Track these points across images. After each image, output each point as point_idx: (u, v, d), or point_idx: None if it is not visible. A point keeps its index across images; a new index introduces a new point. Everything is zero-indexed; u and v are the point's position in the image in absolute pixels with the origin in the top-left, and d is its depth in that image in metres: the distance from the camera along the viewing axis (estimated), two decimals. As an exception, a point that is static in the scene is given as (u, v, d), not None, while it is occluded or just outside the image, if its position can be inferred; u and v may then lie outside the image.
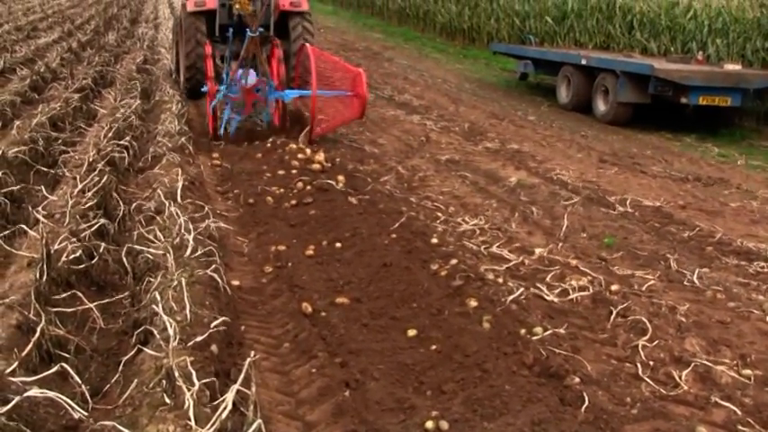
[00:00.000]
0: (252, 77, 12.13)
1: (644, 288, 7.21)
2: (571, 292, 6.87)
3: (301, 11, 14.37)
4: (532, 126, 15.43)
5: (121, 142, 10.03)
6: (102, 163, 8.88)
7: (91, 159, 9.00)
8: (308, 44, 13.06)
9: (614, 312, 6.49)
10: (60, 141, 10.55)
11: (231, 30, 12.71)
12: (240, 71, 12.04)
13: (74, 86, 14.06)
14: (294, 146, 11.20)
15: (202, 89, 12.71)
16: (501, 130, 14.68)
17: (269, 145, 11.51)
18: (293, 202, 9.13)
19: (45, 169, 9.29)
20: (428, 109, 16.37)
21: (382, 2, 39.18)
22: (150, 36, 25.22)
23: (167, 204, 7.59)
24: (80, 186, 8.02)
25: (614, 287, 7.05)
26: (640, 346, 5.94)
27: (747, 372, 5.68)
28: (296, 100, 12.89)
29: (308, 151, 10.92)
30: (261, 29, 12.18)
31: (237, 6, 12.73)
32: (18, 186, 8.25)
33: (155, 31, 27.29)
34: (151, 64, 18.86)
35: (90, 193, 7.83)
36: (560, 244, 8.34)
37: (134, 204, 8.13)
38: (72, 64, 17.42)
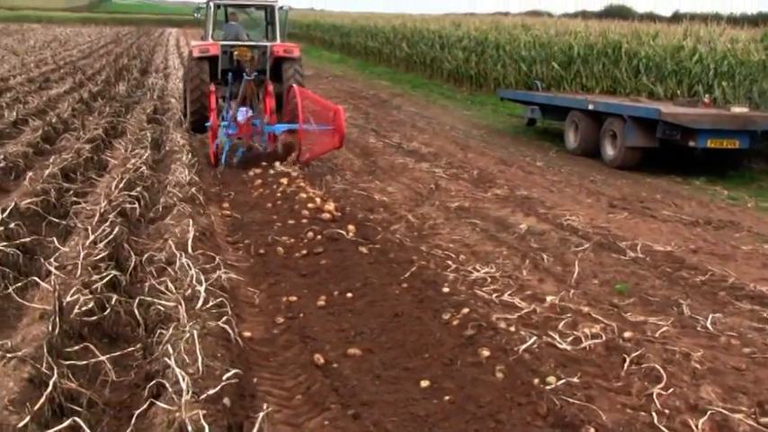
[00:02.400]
0: (248, 114, 14.16)
1: (657, 335, 7.16)
2: (584, 339, 6.81)
3: (293, 57, 16.65)
4: (541, 172, 15.43)
5: (132, 193, 10.09)
6: (114, 214, 8.92)
7: (102, 210, 9.03)
8: (294, 85, 15.12)
9: (628, 360, 6.44)
10: (72, 192, 10.60)
11: (230, 73, 14.86)
12: (239, 109, 14.10)
13: (85, 137, 14.18)
14: (304, 195, 11.23)
15: (206, 124, 14.63)
16: (510, 177, 14.68)
17: (279, 194, 11.54)
18: (304, 251, 9.13)
19: (57, 220, 9.32)
20: (437, 156, 16.40)
21: (389, 50, 39.55)
22: (160, 86, 25.41)
23: (178, 255, 7.60)
24: (92, 237, 8.04)
25: (627, 334, 6.99)
26: (655, 394, 5.88)
27: (766, 420, 5.61)
28: (286, 132, 14.66)
29: (318, 200, 10.94)
30: (256, 72, 14.54)
31: (237, 53, 15.58)
32: (30, 238, 8.28)
33: (165, 81, 27.52)
34: (161, 114, 18.98)
35: (102, 245, 7.85)
36: (572, 291, 8.30)
37: (145, 255, 8.14)
38: (83, 115, 17.57)
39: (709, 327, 7.46)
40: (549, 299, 7.91)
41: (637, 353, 6.53)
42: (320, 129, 13.91)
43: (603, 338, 6.84)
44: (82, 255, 7.46)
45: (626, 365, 6.37)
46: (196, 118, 16.08)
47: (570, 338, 6.86)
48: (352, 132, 19.09)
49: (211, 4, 17.10)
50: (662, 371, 6.18)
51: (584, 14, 45.32)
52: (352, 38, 48.15)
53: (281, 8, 17.52)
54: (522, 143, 19.12)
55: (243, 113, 14.10)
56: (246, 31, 17.67)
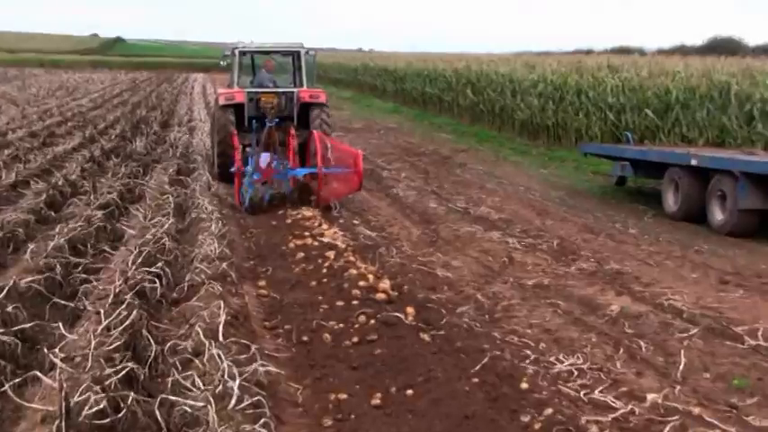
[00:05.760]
0: (269, 160, 16.81)
1: (788, 443, 6.98)
2: (696, 448, 6.67)
3: (319, 103, 19.40)
4: (635, 241, 15.31)
5: (153, 269, 10.15)
6: (131, 294, 8.97)
7: (117, 290, 9.10)
8: (315, 131, 18.00)
9: (752, 475, 6.27)
10: (81, 268, 10.71)
11: (254, 120, 17.85)
12: (263, 155, 16.83)
13: (97, 202, 14.35)
14: (355, 271, 11.23)
15: (231, 170, 17.15)
16: (597, 247, 14.59)
17: (325, 270, 11.56)
18: (355, 339, 9.08)
19: (63, 302, 9.39)
20: (509, 223, 16.38)
21: (451, 97, 39.82)
22: (184, 141, 25.81)
23: (207, 344, 7.60)
24: (105, 323, 8.08)
25: (750, 442, 6.83)
26: None
27: None
28: (308, 176, 17.51)
29: (371, 277, 10.94)
30: (277, 119, 17.60)
31: (264, 100, 18.70)
32: (31, 323, 8.33)
33: (189, 136, 27.96)
34: (186, 175, 19.23)
35: (116, 331, 7.88)
36: (678, 387, 8.15)
37: (168, 344, 8.14)
38: (94, 176, 17.83)
39: None
40: (649, 397, 7.79)
41: (763, 466, 6.36)
42: (340, 172, 16.94)
43: (720, 447, 6.69)
44: (93, 344, 7.47)
45: (750, 482, 6.20)
46: (222, 168, 18.75)
47: (679, 447, 6.72)
48: (408, 196, 19.23)
49: (236, 51, 19.70)
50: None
51: (684, 50, 45.35)
52: (408, 83, 48.62)
53: (307, 53, 19.92)
54: (610, 207, 19.03)
55: (265, 159, 16.78)
56: (276, 77, 20.35)
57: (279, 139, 17.61)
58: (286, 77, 20.90)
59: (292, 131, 18.12)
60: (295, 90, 19.61)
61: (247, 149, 17.72)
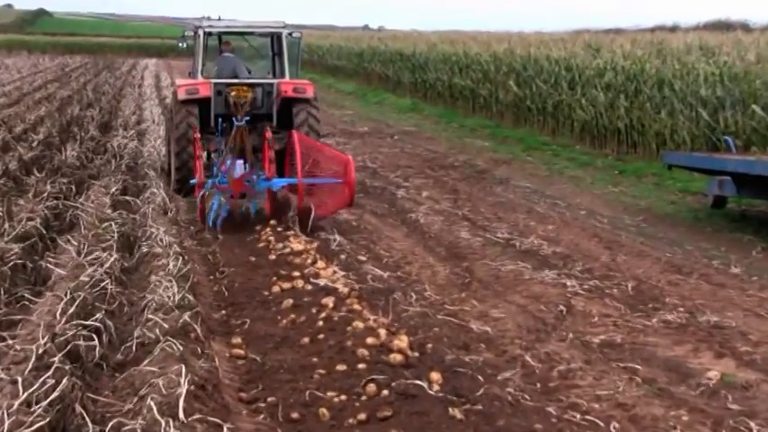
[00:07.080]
0: (240, 168, 17.96)
1: None
2: None
3: (306, 98, 20.30)
4: (739, 283, 15.29)
5: (90, 322, 10.15)
6: (60, 356, 8.94)
7: (41, 351, 9.06)
8: (294, 132, 19.06)
9: None
10: (-8, 322, 10.70)
11: (221, 119, 19.00)
12: (228, 162, 17.88)
13: (13, 233, 14.30)
14: (361, 324, 11.23)
15: (191, 182, 18.29)
16: (687, 292, 14.57)
17: (321, 323, 11.55)
18: (362, 416, 9.05)
19: (-32, 368, 9.38)
20: (567, 260, 16.41)
21: (489, 90, 39.79)
22: (132, 150, 25.87)
23: (164, 424, 7.58)
24: (24, 395, 8.05)
25: None
26: None
27: None
28: (286, 187, 18.67)
29: (383, 332, 10.92)
30: (248, 117, 18.57)
31: (234, 94, 18.85)
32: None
33: (138, 143, 28.02)
34: (134, 195, 19.27)
35: (40, 407, 7.85)
36: (805, 483, 8.14)
37: (110, 424, 8.11)
38: (9, 196, 17.77)
39: None
40: (765, 497, 7.78)
41: None
42: (326, 182, 18.02)
43: None
44: (7, 423, 7.47)
45: None
46: (183, 175, 19.80)
47: None
48: (432, 222, 19.29)
49: (201, 31, 19.93)
50: None
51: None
52: (430, 73, 48.62)
53: (290, 35, 20.36)
54: (704, 237, 19.04)
55: (238, 167, 17.95)
56: (251, 64, 20.93)
57: (252, 143, 18.63)
58: (263, 65, 21.38)
59: (268, 134, 18.88)
60: (275, 81, 20.36)
61: (213, 156, 19.07)
